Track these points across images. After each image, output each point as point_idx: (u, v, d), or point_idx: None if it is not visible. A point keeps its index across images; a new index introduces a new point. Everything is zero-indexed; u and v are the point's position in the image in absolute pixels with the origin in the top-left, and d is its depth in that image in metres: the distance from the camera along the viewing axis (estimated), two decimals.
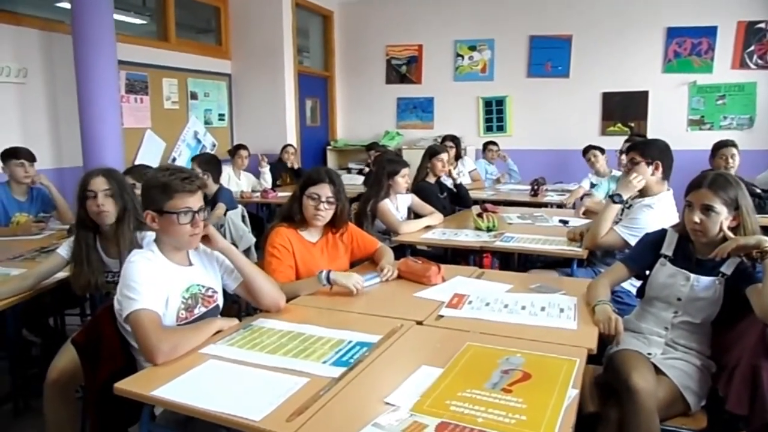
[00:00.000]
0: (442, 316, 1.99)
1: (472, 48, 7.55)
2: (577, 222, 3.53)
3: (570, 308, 2.04)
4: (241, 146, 5.89)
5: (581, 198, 5.25)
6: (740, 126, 6.60)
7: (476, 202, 4.54)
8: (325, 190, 2.42)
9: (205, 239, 1.92)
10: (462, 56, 7.60)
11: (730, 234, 1.92)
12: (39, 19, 4.88)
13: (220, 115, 6.97)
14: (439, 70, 7.70)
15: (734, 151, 4.24)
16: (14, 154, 3.67)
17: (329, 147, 7.99)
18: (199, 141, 6.51)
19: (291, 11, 7.00)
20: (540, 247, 3.06)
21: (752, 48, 6.48)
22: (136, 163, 5.53)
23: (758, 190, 4.55)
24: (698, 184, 2.01)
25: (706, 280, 1.97)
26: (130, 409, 1.83)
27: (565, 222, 3.63)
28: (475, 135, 7.49)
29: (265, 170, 5.88)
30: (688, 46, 6.67)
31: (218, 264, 2.03)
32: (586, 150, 5.33)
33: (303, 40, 7.72)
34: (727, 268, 1.95)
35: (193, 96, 6.50)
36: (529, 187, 5.34)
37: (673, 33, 6.70)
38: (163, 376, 1.52)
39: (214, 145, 6.73)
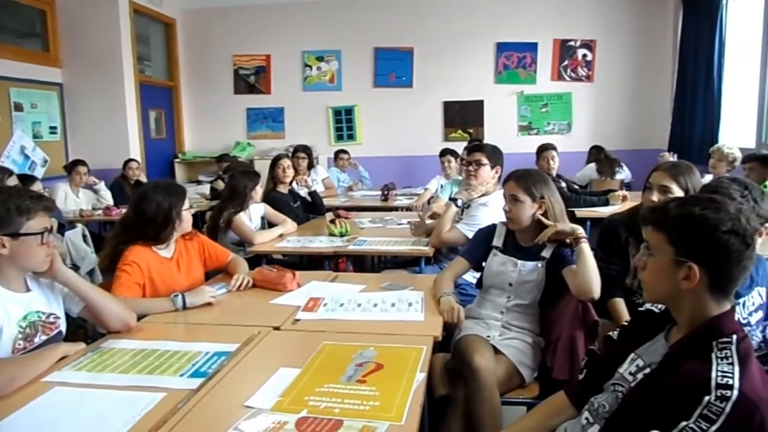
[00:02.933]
0: (298, 320, 2.05)
1: (320, 59, 7.71)
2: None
3: (418, 302, 2.20)
4: (78, 162, 5.48)
5: (428, 201, 5.60)
6: (561, 131, 7.44)
7: (330, 209, 4.64)
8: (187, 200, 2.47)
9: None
10: (310, 66, 7.73)
11: (546, 221, 2.21)
12: None
13: (51, 127, 6.39)
14: (288, 80, 7.76)
15: (554, 153, 4.80)
16: None
17: (177, 159, 7.68)
18: (27, 157, 5.92)
19: (129, 18, 6.63)
20: (391, 248, 3.24)
21: (566, 62, 7.35)
22: None
23: (576, 187, 5.20)
24: (508, 178, 2.35)
25: (530, 264, 2.25)
26: None
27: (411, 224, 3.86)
28: (326, 144, 7.65)
29: (100, 186, 5.52)
30: (515, 59, 7.39)
31: (59, 288, 1.91)
32: (443, 153, 5.57)
33: (144, 49, 7.35)
34: (546, 253, 2.24)
35: (18, 107, 5.89)
36: (380, 193, 5.57)
37: (502, 47, 7.38)
38: (0, 411, 1.42)
39: (45, 161, 6.15)
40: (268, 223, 3.82)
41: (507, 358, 2.15)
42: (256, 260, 3.25)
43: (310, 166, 5.57)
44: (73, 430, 1.32)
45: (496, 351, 2.15)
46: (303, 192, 4.58)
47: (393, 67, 7.58)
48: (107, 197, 5.53)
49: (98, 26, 6.50)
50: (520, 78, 7.44)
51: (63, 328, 1.91)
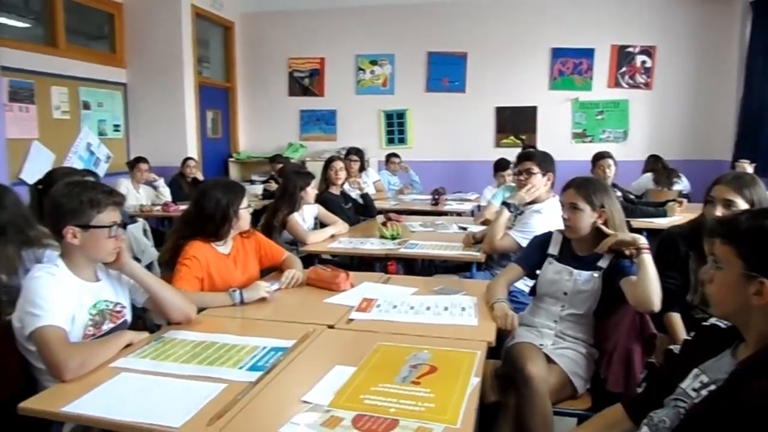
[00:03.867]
0: (352, 320, 2.08)
1: (374, 62, 7.77)
2: (474, 229, 3.76)
3: (471, 307, 2.20)
4: (140, 159, 5.70)
5: (478, 207, 5.56)
6: (616, 139, 7.27)
7: (380, 211, 4.68)
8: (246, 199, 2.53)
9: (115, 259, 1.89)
10: (364, 70, 7.80)
11: (606, 229, 2.17)
12: None
13: (115, 125, 6.68)
14: (341, 83, 7.86)
15: (611, 161, 4.69)
16: None
17: (231, 159, 7.88)
18: (92, 153, 6.21)
19: (191, 21, 6.86)
20: (442, 252, 3.24)
21: (624, 69, 7.18)
22: (22, 176, 5.22)
23: (632, 196, 5.07)
24: (567, 186, 2.30)
25: (586, 274, 2.21)
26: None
27: (464, 229, 3.85)
28: (377, 147, 7.70)
29: (160, 183, 5.72)
30: (570, 65, 7.26)
31: (125, 279, 2.00)
32: (503, 167, 5.34)
33: (203, 51, 7.59)
34: (603, 263, 2.20)
35: (86, 106, 6.19)
36: (430, 197, 5.57)
37: (557, 53, 7.27)
38: (72, 392, 1.50)
39: (108, 158, 6.43)
40: (320, 224, 3.88)
41: (560, 367, 2.12)
42: (308, 259, 3.30)
43: (362, 168, 5.62)
44: (140, 414, 1.38)
45: (549, 360, 2.13)
46: (354, 194, 4.63)
47: (446, 72, 7.57)
48: (166, 194, 5.72)
49: (161, 29, 6.75)
50: (575, 84, 7.31)
51: (128, 317, 1.99)
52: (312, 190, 3.72)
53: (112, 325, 1.90)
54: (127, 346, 1.79)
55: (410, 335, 1.91)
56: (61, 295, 1.71)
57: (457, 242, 3.41)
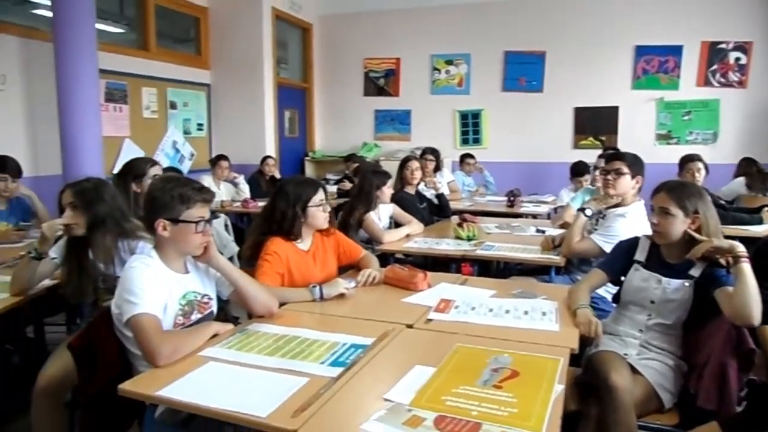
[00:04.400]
0: (430, 320, 2.07)
1: (449, 62, 7.72)
2: (552, 232, 3.66)
3: (551, 312, 2.14)
4: (221, 156, 5.92)
5: (555, 210, 5.42)
6: (705, 141, 6.88)
7: (454, 212, 4.65)
8: (323, 194, 2.57)
9: (203, 253, 1.96)
10: (439, 70, 7.77)
11: (699, 236, 2.05)
12: (18, 26, 4.87)
13: (198, 124, 6.98)
14: (416, 83, 7.86)
15: (700, 165, 4.44)
16: (2, 166, 3.62)
17: (307, 158, 8.06)
18: (177, 150, 6.51)
19: (271, 23, 7.07)
20: (521, 255, 3.18)
21: (715, 67, 6.78)
22: (115, 171, 5.52)
23: (722, 202, 4.77)
24: (658, 189, 2.18)
25: (676, 282, 2.10)
26: (125, 413, 1.88)
27: (541, 231, 3.77)
28: (451, 147, 7.65)
29: (240, 180, 5.91)
30: (655, 63, 6.94)
31: (212, 272, 2.08)
32: (583, 171, 5.22)
33: (282, 52, 7.80)
34: (695, 271, 2.08)
35: (173, 105, 6.51)
36: (505, 199, 5.47)
37: (641, 51, 6.97)
38: (165, 378, 1.57)
39: (192, 155, 6.74)
40: (394, 223, 3.90)
41: (645, 379, 2.03)
42: (382, 258, 3.32)
43: (437, 168, 5.60)
44: (227, 402, 1.42)
45: (633, 370, 2.04)
46: (429, 194, 4.61)
47: (523, 71, 7.42)
48: (245, 190, 5.91)
49: (243, 31, 7.00)
50: (660, 83, 6.97)
51: (214, 308, 2.07)
52: (388, 190, 3.74)
53: (199, 316, 1.98)
54: (214, 336, 1.86)
55: (489, 338, 1.89)
56: (155, 285, 1.80)
57: (535, 245, 3.34)
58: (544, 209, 5.34)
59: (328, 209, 2.58)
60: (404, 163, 4.32)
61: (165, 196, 1.89)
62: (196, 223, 1.89)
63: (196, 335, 1.80)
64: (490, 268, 3.80)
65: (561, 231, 3.63)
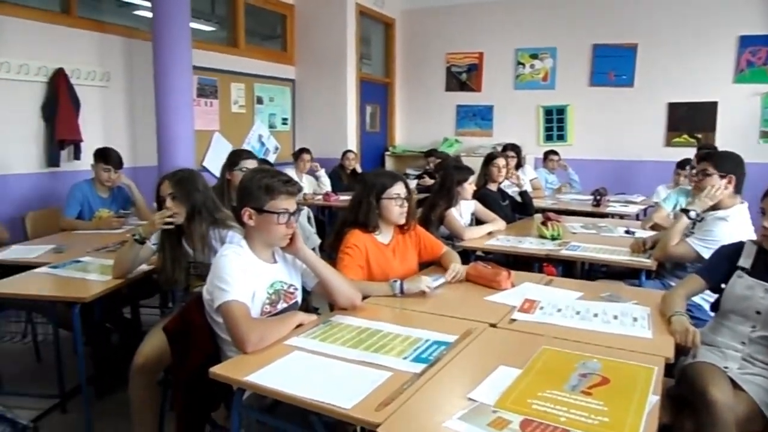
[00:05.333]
0: (514, 320, 2.03)
1: (534, 56, 7.52)
2: (643, 234, 3.49)
3: (643, 318, 2.03)
4: (304, 150, 6.06)
5: (645, 210, 5.16)
6: None
7: (539, 210, 4.53)
8: (402, 189, 2.53)
9: (289, 244, 2.01)
10: (523, 64, 7.58)
11: None
12: (122, 27, 5.18)
13: (283, 119, 7.18)
14: (499, 78, 7.71)
15: None
16: (105, 157, 3.87)
17: (388, 153, 8.11)
18: (263, 144, 6.73)
19: (355, 19, 7.15)
20: (609, 257, 3.05)
21: None
22: (205, 164, 5.79)
23: None
24: None
25: None
26: (213, 395, 1.96)
27: (631, 233, 3.60)
28: (534, 144, 7.45)
29: (321, 173, 6.01)
30: (762, 55, 6.44)
31: (298, 263, 2.12)
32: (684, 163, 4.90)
33: (365, 47, 7.87)
34: None
35: (259, 100, 6.73)
36: (591, 198, 5.27)
37: (746, 42, 6.48)
38: (253, 364, 1.62)
39: (277, 149, 6.94)
40: (476, 220, 3.85)
41: (748, 395, 1.89)
42: (463, 255, 3.28)
43: (518, 165, 5.47)
44: (312, 391, 1.45)
45: (734, 385, 1.90)
46: (511, 191, 4.52)
47: (612, 65, 7.10)
48: (326, 183, 6.02)
49: (328, 28, 7.11)
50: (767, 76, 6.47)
51: (299, 299, 2.12)
52: (470, 186, 3.69)
53: (285, 305, 2.03)
54: (298, 326, 1.90)
55: (577, 341, 1.82)
56: (244, 274, 1.86)
57: (623, 247, 3.19)
58: (632, 209, 5.09)
59: (406, 205, 2.55)
60: (490, 160, 4.24)
61: (252, 186, 1.96)
62: (279, 214, 1.93)
63: (283, 324, 1.85)
64: (574, 270, 3.67)
65: (652, 233, 3.46)
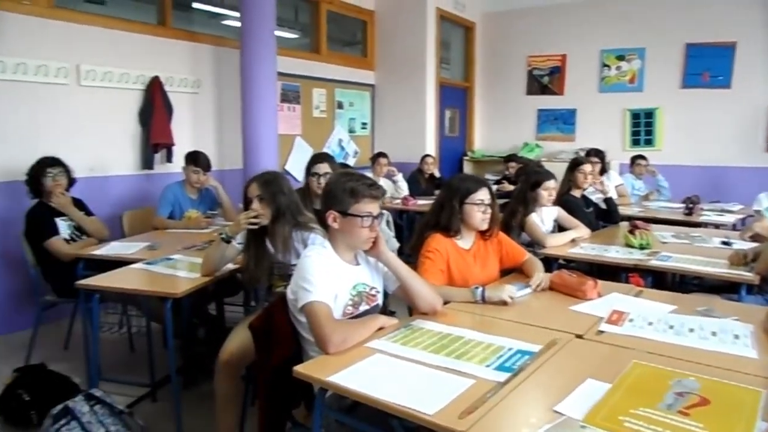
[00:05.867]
0: (602, 332, 1.94)
1: (620, 57, 7.23)
2: (743, 245, 3.25)
3: (746, 335, 1.89)
4: (381, 154, 6.10)
5: (743, 220, 4.83)
6: None
7: (623, 218, 4.34)
8: (486, 195, 2.48)
9: (372, 247, 2.01)
10: (609, 66, 7.31)
11: None
12: (211, 36, 5.42)
13: (363, 123, 7.28)
14: (583, 80, 7.47)
15: None
16: (195, 160, 4.08)
17: (466, 157, 8.04)
18: (342, 148, 6.85)
19: (435, 23, 7.15)
20: (705, 269, 2.86)
21: None
22: (287, 167, 5.95)
23: None
24: None
25: None
26: (295, 393, 2.00)
27: (729, 244, 3.37)
28: (619, 149, 7.16)
29: (398, 177, 6.02)
30: None
31: (381, 266, 2.13)
32: None
33: (444, 51, 7.85)
34: None
35: (340, 105, 6.86)
36: (682, 205, 4.99)
37: None
38: (335, 365, 1.64)
39: (356, 153, 7.05)
40: (558, 227, 3.73)
41: None
42: (545, 263, 3.18)
43: (603, 171, 5.26)
44: (394, 395, 1.44)
45: None
46: (596, 197, 4.35)
47: (707, 65, 6.71)
48: (404, 188, 6.03)
49: (408, 32, 7.15)
50: None
51: (380, 301, 2.13)
52: (544, 192, 3.57)
53: (367, 307, 2.04)
54: (380, 329, 1.91)
55: (670, 357, 1.71)
56: (328, 275, 1.89)
57: (720, 258, 2.99)
58: (729, 219, 4.77)
59: (489, 211, 2.51)
60: (576, 166, 4.10)
61: (337, 189, 1.98)
62: (363, 217, 1.95)
63: (364, 327, 1.86)
64: (665, 281, 3.48)
65: (753, 244, 3.22)
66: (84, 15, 4.43)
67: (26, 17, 3.99)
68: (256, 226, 2.54)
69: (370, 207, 1.97)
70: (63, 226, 3.51)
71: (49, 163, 3.53)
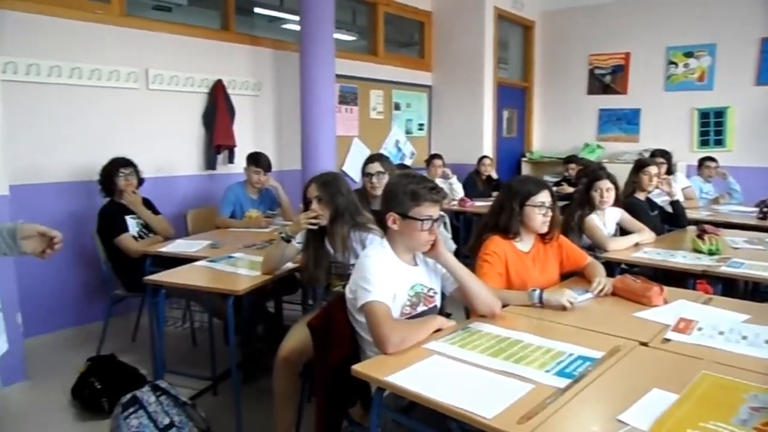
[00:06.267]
0: (668, 340, 1.87)
1: (688, 54, 6.94)
2: None
3: None
4: (435, 155, 6.08)
5: None
6: None
7: (690, 222, 4.16)
8: (547, 197, 2.44)
9: (431, 248, 2.00)
10: (675, 64, 7.03)
11: None
12: (272, 40, 5.55)
13: (419, 124, 7.28)
14: (647, 79, 7.21)
15: None
16: (256, 161, 4.19)
17: (524, 158, 7.90)
18: (399, 149, 6.87)
19: (493, 23, 7.07)
20: None
21: None
22: (344, 168, 6.02)
23: None
24: None
25: None
26: (351, 391, 2.02)
27: None
28: (686, 150, 6.87)
29: (453, 180, 5.97)
30: None
31: (439, 268, 2.12)
32: None
33: (502, 51, 7.75)
34: None
35: (396, 106, 6.88)
36: (755, 209, 4.74)
37: None
38: (393, 365, 1.64)
39: (413, 154, 7.05)
40: (620, 230, 3.61)
41: None
42: (606, 267, 3.09)
43: (668, 172, 5.06)
44: (452, 397, 1.43)
45: None
46: (661, 200, 4.19)
47: None
48: (458, 189, 5.97)
49: (466, 33, 7.10)
50: None
51: (438, 302, 2.12)
52: (612, 193, 3.46)
53: (425, 308, 2.04)
54: (437, 330, 1.90)
55: (743, 369, 1.63)
56: (387, 275, 1.90)
57: None
58: None
59: (549, 214, 2.46)
60: (641, 167, 3.95)
61: (398, 191, 1.99)
62: (422, 221, 1.94)
63: (422, 327, 1.86)
64: (736, 289, 3.32)
65: None
66: (152, 22, 4.62)
67: (100, 25, 4.20)
68: (315, 227, 2.58)
69: (431, 210, 1.96)
70: (132, 224, 3.67)
71: (121, 163, 3.70)
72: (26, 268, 3.44)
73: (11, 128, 3.47)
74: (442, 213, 2.07)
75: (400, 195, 1.98)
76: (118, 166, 3.69)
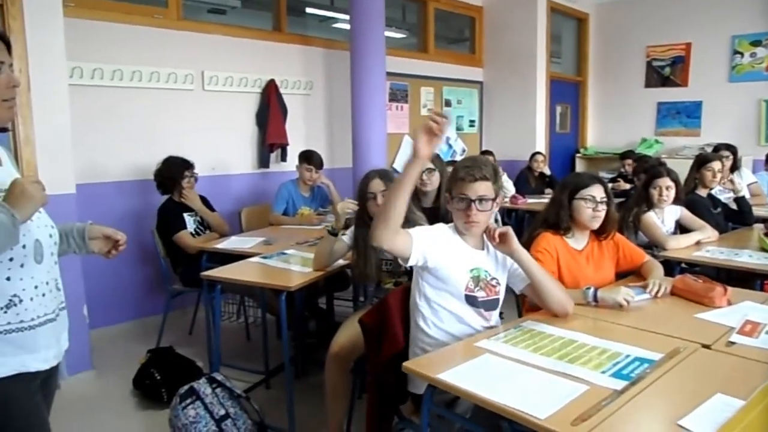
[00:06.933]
0: (733, 343, 1.78)
1: (756, 43, 6.60)
2: None
3: None
4: (485, 152, 6.02)
5: None
6: None
7: (757, 219, 3.97)
8: (599, 192, 2.36)
9: (502, 239, 1.94)
10: (741, 53, 6.70)
11: None
12: (323, 40, 5.61)
13: (470, 121, 7.21)
14: (710, 70, 6.90)
15: None
16: (308, 159, 4.25)
17: (578, 154, 7.71)
18: (450, 146, 6.82)
19: (546, 16, 6.92)
20: None
21: None
22: (394, 165, 6.03)
23: None
24: None
25: None
26: (402, 388, 2.03)
27: None
28: (753, 144, 6.55)
29: (504, 177, 5.85)
30: None
31: (509, 263, 2.06)
32: None
33: (555, 45, 7.58)
34: None
35: (447, 103, 6.83)
36: None
37: None
38: (444, 363, 1.64)
39: (464, 151, 6.99)
40: (680, 228, 3.48)
41: None
42: (666, 267, 2.98)
43: (734, 168, 4.84)
44: (504, 397, 1.42)
45: None
46: (725, 197, 4.01)
47: None
48: (509, 187, 5.86)
49: (517, 27, 6.98)
50: None
51: (501, 296, 2.06)
52: (672, 191, 3.33)
53: (485, 297, 1.98)
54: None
55: None
56: (440, 241, 1.97)
57: None
58: None
59: (600, 209, 2.36)
60: (703, 163, 3.78)
61: (452, 172, 2.05)
62: (459, 199, 1.98)
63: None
64: None
65: None
66: (208, 25, 4.75)
67: (158, 30, 4.35)
68: (350, 212, 2.62)
69: (465, 189, 1.96)
70: (189, 221, 3.79)
71: (187, 165, 3.83)
72: (91, 264, 3.60)
73: (77, 129, 3.63)
74: (485, 195, 1.98)
75: (450, 177, 2.05)
76: (184, 168, 3.81)
